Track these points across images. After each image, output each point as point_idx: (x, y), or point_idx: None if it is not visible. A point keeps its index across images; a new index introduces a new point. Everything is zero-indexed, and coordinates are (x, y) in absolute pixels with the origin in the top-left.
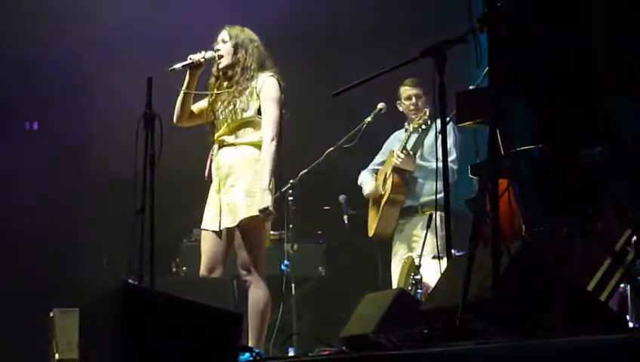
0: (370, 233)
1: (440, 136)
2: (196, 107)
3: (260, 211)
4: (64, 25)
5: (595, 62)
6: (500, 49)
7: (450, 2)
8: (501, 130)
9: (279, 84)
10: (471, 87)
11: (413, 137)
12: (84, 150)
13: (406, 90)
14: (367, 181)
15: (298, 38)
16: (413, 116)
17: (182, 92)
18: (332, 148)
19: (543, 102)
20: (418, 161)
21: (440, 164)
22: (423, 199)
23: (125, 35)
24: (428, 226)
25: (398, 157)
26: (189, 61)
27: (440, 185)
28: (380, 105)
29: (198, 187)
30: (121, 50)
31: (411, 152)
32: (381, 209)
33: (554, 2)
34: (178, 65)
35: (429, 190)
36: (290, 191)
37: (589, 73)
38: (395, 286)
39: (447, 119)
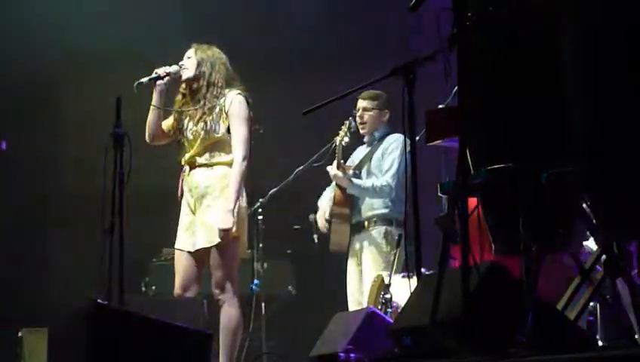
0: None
1: (388, 151)
2: (165, 125)
3: (220, 230)
4: (32, 41)
5: (566, 80)
6: (468, 67)
7: (420, 21)
8: (470, 149)
9: (247, 101)
10: (440, 106)
11: (362, 151)
12: (53, 168)
13: (357, 102)
14: (320, 206)
15: (270, 56)
16: (361, 130)
17: (151, 108)
18: (302, 167)
19: (512, 120)
20: (353, 180)
21: (378, 183)
22: (366, 214)
23: (95, 51)
24: (397, 245)
25: (331, 172)
26: (154, 75)
27: (387, 200)
28: (353, 123)
29: (168, 206)
30: (90, 67)
31: (350, 169)
32: (331, 224)
33: (522, 20)
34: (144, 80)
35: (370, 205)
36: (260, 210)
37: (560, 93)
38: (351, 305)
39: (417, 138)
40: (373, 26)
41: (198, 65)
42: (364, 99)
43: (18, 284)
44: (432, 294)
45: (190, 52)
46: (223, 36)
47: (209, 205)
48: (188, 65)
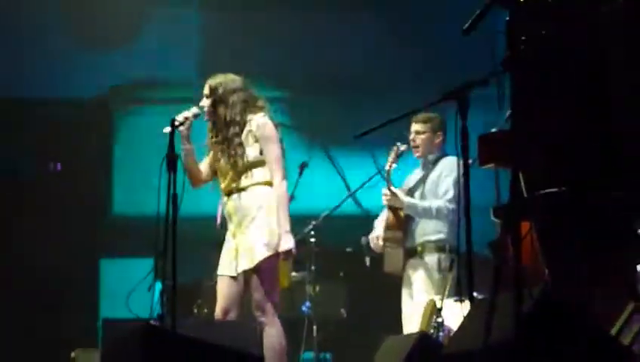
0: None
1: (440, 176)
2: (203, 165)
3: (284, 253)
4: (82, 66)
5: (618, 106)
6: (522, 91)
7: (474, 45)
8: (523, 173)
9: (273, 122)
10: (493, 130)
11: (416, 175)
12: (105, 190)
13: (411, 126)
14: (376, 226)
15: (324, 81)
16: (414, 153)
17: (182, 154)
18: (354, 191)
19: (566, 144)
20: (406, 199)
21: (437, 204)
22: (419, 239)
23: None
24: (450, 269)
25: (385, 195)
26: (176, 123)
27: (441, 225)
28: (402, 147)
29: (220, 229)
30: (142, 89)
31: (395, 189)
32: (384, 248)
33: (576, 43)
34: (167, 130)
35: (422, 230)
36: (313, 233)
37: (611, 117)
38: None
39: (471, 161)
40: (428, 49)
41: (215, 107)
42: (416, 122)
43: (72, 305)
44: (484, 319)
45: (206, 89)
46: (271, 59)
47: (248, 226)
48: (206, 108)
